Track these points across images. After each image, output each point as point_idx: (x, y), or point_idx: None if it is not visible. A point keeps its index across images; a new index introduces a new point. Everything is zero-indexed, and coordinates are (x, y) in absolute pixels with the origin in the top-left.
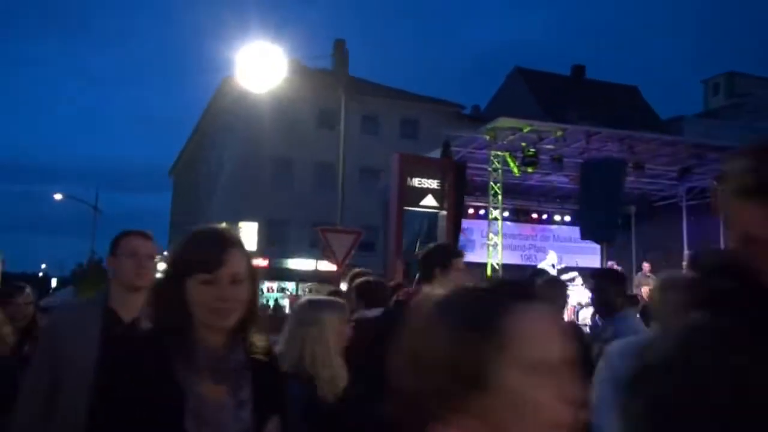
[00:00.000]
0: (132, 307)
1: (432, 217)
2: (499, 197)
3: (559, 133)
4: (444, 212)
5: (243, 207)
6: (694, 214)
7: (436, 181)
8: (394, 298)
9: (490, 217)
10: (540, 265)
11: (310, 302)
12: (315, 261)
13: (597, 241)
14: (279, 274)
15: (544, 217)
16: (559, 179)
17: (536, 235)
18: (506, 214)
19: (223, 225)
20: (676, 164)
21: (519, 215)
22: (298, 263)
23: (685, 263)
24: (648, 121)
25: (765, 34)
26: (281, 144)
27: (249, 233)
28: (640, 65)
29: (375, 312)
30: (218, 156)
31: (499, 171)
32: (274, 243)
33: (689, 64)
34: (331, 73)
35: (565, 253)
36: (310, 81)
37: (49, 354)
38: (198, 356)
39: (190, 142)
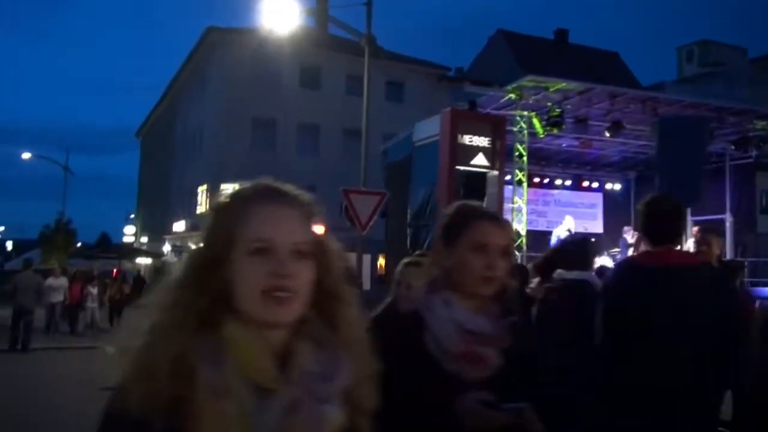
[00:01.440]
0: None
1: (433, 185)
2: (524, 159)
3: (583, 92)
4: (495, 172)
5: (222, 169)
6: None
7: (486, 139)
8: None
9: (515, 179)
10: (556, 231)
11: None
12: None
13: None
14: None
15: (546, 181)
16: (568, 142)
17: (537, 200)
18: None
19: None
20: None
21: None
22: None
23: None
24: (630, 86)
25: (737, 3)
26: (262, 104)
27: None
28: (620, 31)
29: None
30: (196, 115)
31: (525, 132)
32: None
33: (665, 31)
34: (313, 30)
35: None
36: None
37: None
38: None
39: (162, 102)
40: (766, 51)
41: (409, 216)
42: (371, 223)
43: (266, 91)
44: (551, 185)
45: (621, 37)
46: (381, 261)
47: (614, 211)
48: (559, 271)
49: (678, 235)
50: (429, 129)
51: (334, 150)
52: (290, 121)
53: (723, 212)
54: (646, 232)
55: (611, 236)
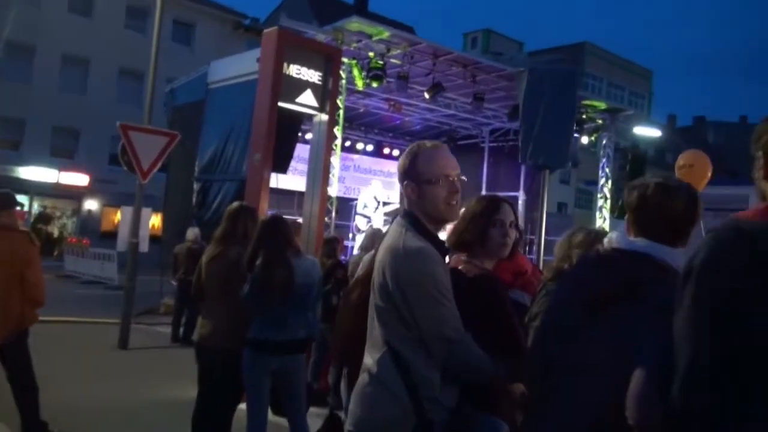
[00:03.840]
0: None
1: (229, 134)
2: (341, 114)
3: (407, 48)
4: (324, 117)
5: None
6: (494, 156)
7: (318, 73)
8: None
9: None
10: (362, 198)
11: None
12: (57, 172)
13: (545, 167)
14: (7, 184)
15: (347, 144)
16: (375, 104)
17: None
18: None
19: None
20: (508, 101)
21: None
22: (33, 173)
23: None
24: None
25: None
26: (19, 25)
27: None
28: (416, 8)
29: None
30: None
31: (344, 83)
32: (3, 145)
33: (456, 15)
34: None
35: (363, 185)
36: None
37: None
38: None
39: None
40: (540, 47)
41: (196, 169)
42: (155, 170)
43: (24, 9)
44: (352, 149)
45: (417, 13)
46: (154, 220)
47: None
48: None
49: None
50: (229, 69)
51: (105, 90)
52: (53, 50)
53: (517, 189)
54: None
55: None
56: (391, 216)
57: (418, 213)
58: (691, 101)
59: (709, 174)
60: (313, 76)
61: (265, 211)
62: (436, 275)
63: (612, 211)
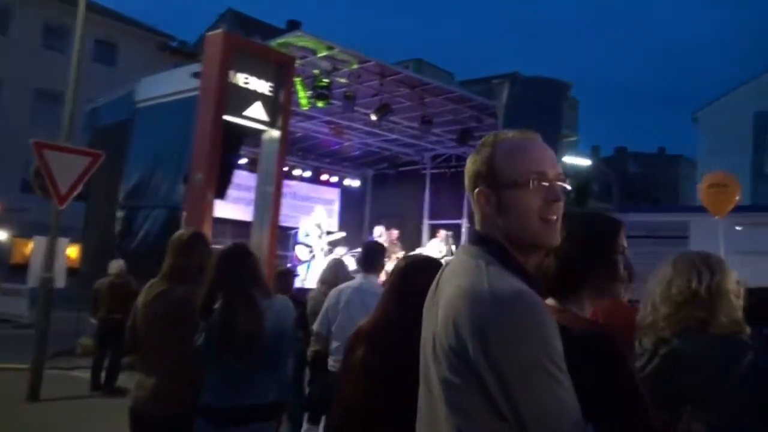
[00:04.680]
0: None
1: (159, 157)
2: None
3: (354, 66)
4: (276, 133)
5: None
6: (435, 183)
7: (268, 84)
8: None
9: None
10: (302, 225)
11: None
12: None
13: None
14: None
15: (285, 169)
16: (317, 128)
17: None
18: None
19: None
20: (455, 125)
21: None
22: None
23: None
24: None
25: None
26: None
27: None
28: (353, 29)
29: None
30: None
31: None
32: None
33: (389, 46)
34: None
35: (301, 213)
36: None
37: None
38: None
39: None
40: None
41: (121, 195)
42: (74, 194)
43: None
44: (288, 175)
45: (346, 42)
46: (71, 251)
47: (351, 208)
48: None
49: None
50: (160, 86)
51: (19, 112)
52: None
53: (460, 217)
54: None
55: (349, 235)
56: (334, 246)
57: (498, 236)
58: (611, 133)
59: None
60: (263, 86)
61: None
62: (547, 336)
63: None
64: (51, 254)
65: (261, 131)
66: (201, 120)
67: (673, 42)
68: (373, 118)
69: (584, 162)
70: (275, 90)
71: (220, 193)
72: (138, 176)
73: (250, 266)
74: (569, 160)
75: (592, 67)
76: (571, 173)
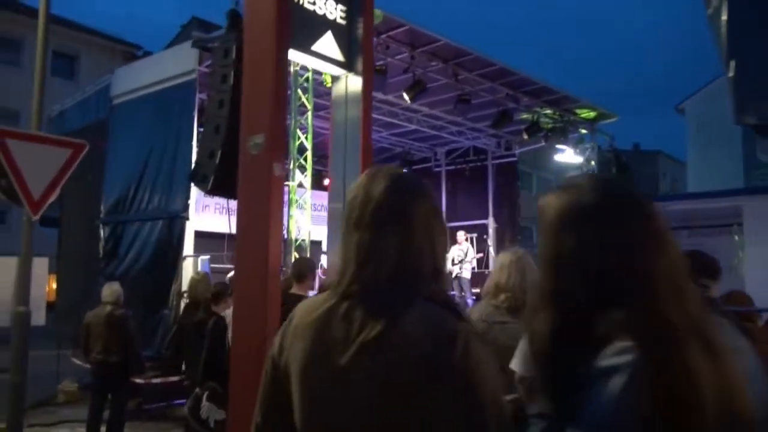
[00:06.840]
0: None
1: (146, 160)
2: (309, 117)
3: (379, 18)
4: (357, 79)
5: None
6: (452, 181)
7: (341, 6)
8: None
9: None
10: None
11: None
12: None
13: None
14: None
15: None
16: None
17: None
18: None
19: None
20: (491, 108)
21: None
22: None
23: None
24: None
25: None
26: None
27: None
28: None
29: None
30: None
31: (310, 81)
32: None
33: None
34: None
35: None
36: None
37: None
38: None
39: None
40: None
41: (102, 209)
42: (51, 199)
43: None
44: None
45: None
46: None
47: None
48: None
49: None
50: (141, 75)
51: None
52: None
53: (485, 217)
54: None
55: None
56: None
57: None
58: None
59: None
60: (333, 10)
61: (280, 241)
62: None
63: None
64: (25, 282)
65: (333, 78)
66: (253, 61)
67: (641, 37)
68: (406, 97)
69: (576, 159)
70: (349, 16)
71: (233, 192)
72: (122, 185)
73: None
74: (559, 157)
75: (582, 71)
76: (558, 170)
